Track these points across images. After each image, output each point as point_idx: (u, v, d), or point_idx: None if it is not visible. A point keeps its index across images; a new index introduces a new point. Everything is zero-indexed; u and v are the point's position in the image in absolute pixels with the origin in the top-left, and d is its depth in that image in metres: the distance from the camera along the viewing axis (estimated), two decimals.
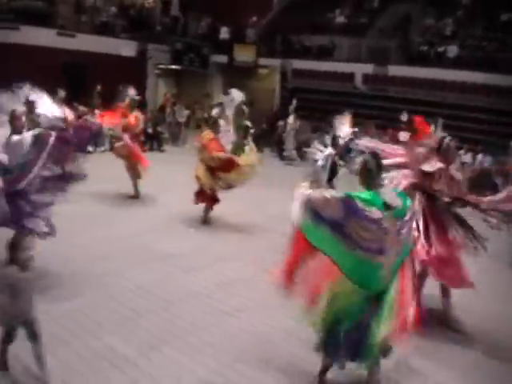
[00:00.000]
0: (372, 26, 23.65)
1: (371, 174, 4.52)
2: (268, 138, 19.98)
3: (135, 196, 11.65)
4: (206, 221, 10.15)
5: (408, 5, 23.39)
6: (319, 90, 22.54)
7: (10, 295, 4.36)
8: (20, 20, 19.85)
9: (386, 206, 4.34)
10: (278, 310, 6.48)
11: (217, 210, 10.50)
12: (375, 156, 4.68)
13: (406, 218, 4.48)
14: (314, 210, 4.34)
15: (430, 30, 22.42)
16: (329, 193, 4.46)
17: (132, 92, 11.73)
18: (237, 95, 10.46)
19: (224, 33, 26.52)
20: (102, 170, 11.47)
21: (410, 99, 19.98)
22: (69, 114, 11.73)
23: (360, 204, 4.28)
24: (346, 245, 4.31)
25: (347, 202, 4.30)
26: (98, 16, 23.76)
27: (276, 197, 12.26)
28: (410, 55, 21.67)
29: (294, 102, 19.47)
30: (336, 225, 4.30)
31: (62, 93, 13.50)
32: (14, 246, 4.47)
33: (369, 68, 22.05)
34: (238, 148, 9.99)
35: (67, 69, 19.02)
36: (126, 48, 23.33)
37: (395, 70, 21.36)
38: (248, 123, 10.36)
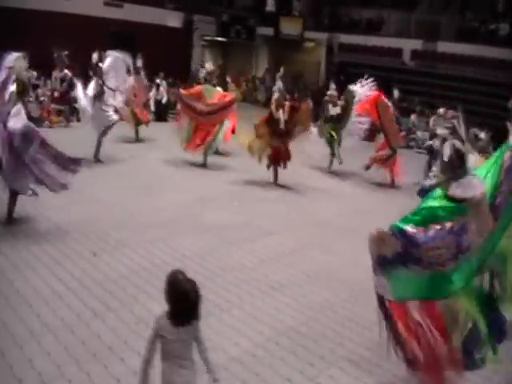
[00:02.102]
0: (422, 0, 23.06)
1: (453, 163, 4.35)
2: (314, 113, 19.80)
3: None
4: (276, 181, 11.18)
5: None
6: (366, 64, 22.11)
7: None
8: None
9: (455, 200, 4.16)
10: (321, 285, 6.49)
11: (262, 185, 10.65)
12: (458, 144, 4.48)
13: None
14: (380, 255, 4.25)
15: (481, 6, 21.75)
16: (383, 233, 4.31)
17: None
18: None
19: (270, 5, 26.23)
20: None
21: (458, 76, 19.51)
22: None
23: (412, 229, 4.15)
24: (422, 268, 4.16)
25: (398, 233, 4.19)
26: None
27: (318, 174, 12.29)
28: (460, 32, 21.09)
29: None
30: (402, 257, 4.18)
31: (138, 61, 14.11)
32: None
33: (418, 44, 21.54)
34: None
35: (114, 38, 19.08)
36: (173, 19, 23.29)
37: (445, 47, 20.82)
38: None
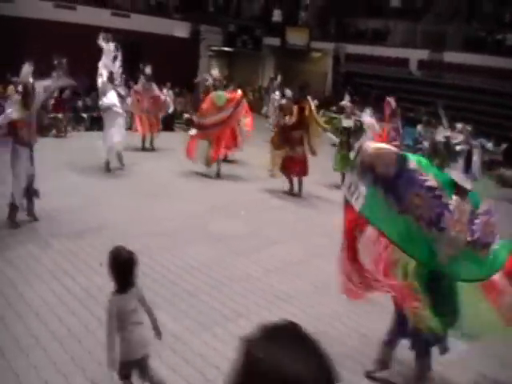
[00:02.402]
0: (428, 10, 23.07)
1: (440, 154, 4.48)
2: None
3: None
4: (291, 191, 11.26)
5: None
6: (372, 74, 22.18)
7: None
8: (77, 0, 20.13)
9: (455, 186, 4.22)
10: (329, 296, 6.45)
11: (269, 196, 10.68)
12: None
13: (480, 210, 4.19)
14: (370, 165, 4.23)
15: (488, 16, 21.76)
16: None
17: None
18: None
19: (277, 15, 26.31)
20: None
21: (465, 86, 19.49)
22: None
23: (415, 165, 4.15)
24: (397, 208, 4.13)
25: (401, 159, 4.20)
26: None
27: (329, 182, 12.24)
28: (466, 42, 21.09)
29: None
30: (389, 185, 4.16)
31: (147, 69, 14.14)
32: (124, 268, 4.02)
33: (424, 54, 21.54)
34: None
35: (122, 48, 19.18)
36: (180, 29, 23.37)
37: (451, 57, 20.81)
38: None
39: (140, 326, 3.96)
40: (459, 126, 11.50)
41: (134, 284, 3.98)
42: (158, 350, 4.89)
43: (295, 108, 10.95)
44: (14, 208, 7.83)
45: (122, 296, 3.93)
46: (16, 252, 6.88)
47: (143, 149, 14.26)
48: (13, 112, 7.60)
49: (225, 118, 11.84)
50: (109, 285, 6.07)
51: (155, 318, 4.10)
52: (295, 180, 11.27)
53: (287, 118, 10.93)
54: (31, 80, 8.04)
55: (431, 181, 4.12)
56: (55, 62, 14.73)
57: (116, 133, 11.21)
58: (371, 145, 4.46)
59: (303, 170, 11.07)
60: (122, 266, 3.98)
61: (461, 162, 10.10)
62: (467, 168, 10.12)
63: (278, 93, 19.47)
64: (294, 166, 11.03)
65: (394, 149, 4.39)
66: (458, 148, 10.76)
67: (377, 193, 4.20)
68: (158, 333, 4.12)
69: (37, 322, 5.19)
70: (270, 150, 11.46)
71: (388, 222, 4.20)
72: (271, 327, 1.26)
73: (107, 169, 11.45)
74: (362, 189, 4.25)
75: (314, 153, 11.14)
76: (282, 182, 11.30)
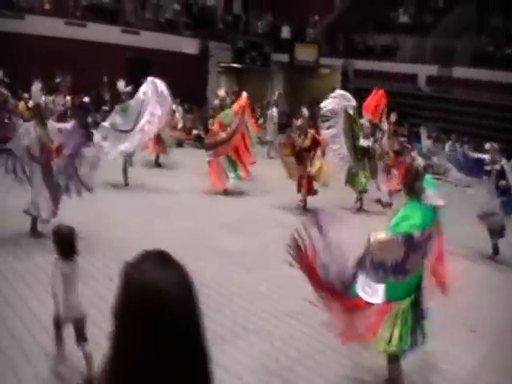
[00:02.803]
0: (437, 25, 23.13)
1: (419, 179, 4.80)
2: None
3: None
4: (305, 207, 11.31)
5: (473, 4, 22.81)
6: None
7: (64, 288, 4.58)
8: (87, 17, 20.35)
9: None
10: None
11: (278, 212, 10.68)
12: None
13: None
14: (380, 262, 4.48)
15: (497, 31, 21.77)
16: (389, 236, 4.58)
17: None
18: None
19: (285, 32, 26.46)
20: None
21: (474, 102, 19.47)
22: None
23: (418, 236, 4.45)
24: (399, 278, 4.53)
25: (408, 240, 4.42)
26: (162, 13, 24.06)
27: (340, 199, 12.21)
28: (475, 57, 21.10)
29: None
30: (398, 267, 4.46)
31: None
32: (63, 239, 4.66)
33: (433, 69, 21.57)
34: None
35: (132, 65, 19.35)
36: (188, 45, 23.54)
37: (460, 72, 20.83)
38: None
39: (76, 292, 4.69)
40: (487, 145, 11.35)
41: (75, 256, 4.67)
42: None
43: (310, 133, 11.14)
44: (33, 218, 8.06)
45: (66, 263, 4.62)
46: (25, 265, 6.90)
47: (156, 165, 14.33)
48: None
49: (234, 131, 11.95)
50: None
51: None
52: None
53: (301, 139, 11.08)
54: (43, 98, 8.21)
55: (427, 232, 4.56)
56: (58, 80, 14.79)
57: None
58: (375, 239, 4.56)
59: (312, 190, 11.27)
60: (64, 240, 4.62)
61: (490, 182, 9.97)
62: (503, 188, 9.87)
63: (275, 109, 19.48)
64: (303, 185, 11.19)
65: (398, 236, 4.53)
66: (486, 168, 10.66)
67: (390, 279, 4.53)
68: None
69: (45, 336, 5.19)
70: (282, 161, 11.67)
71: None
72: (144, 253, 1.56)
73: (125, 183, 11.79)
74: (378, 286, 4.52)
75: (324, 184, 11.34)
76: (291, 198, 11.31)
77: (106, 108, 18.16)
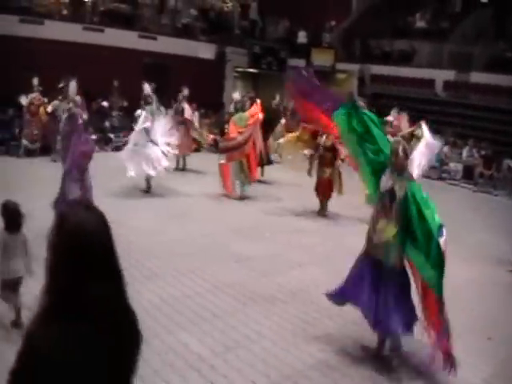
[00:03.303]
0: (454, 30, 23.03)
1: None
2: None
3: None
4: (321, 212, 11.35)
5: (491, 9, 22.68)
6: (398, 96, 22.11)
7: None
8: (104, 23, 20.50)
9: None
10: (352, 320, 6.41)
11: (294, 217, 10.70)
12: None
13: None
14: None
15: None
16: None
17: None
18: None
19: (302, 37, 26.47)
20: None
21: (492, 107, 19.35)
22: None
23: None
24: None
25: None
26: (179, 19, 24.18)
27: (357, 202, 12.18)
28: (492, 62, 20.97)
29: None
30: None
31: (185, 91, 14.27)
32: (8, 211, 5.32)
33: (450, 74, 21.47)
34: None
35: (149, 70, 19.45)
36: (205, 50, 23.61)
37: (477, 77, 20.70)
38: None
39: (16, 259, 5.31)
40: None
41: (19, 230, 5.34)
42: (182, 370, 4.92)
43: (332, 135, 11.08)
44: None
45: (9, 235, 5.28)
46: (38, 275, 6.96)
47: (176, 169, 14.41)
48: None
49: (247, 138, 11.94)
50: (133, 304, 6.12)
51: (30, 260, 5.36)
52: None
53: (324, 138, 11.01)
54: (78, 97, 8.50)
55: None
56: (61, 85, 14.68)
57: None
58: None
59: (327, 193, 11.24)
60: (10, 214, 5.26)
61: None
62: None
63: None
64: (318, 188, 11.22)
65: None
66: None
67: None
68: (28, 271, 5.35)
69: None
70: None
71: None
72: (73, 202, 2.55)
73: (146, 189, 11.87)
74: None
75: (340, 191, 11.28)
76: (303, 203, 11.33)
77: (117, 113, 18.26)
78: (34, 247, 7.88)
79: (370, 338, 5.96)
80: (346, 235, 9.92)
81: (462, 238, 10.74)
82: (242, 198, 12.13)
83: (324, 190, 11.20)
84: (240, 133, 11.91)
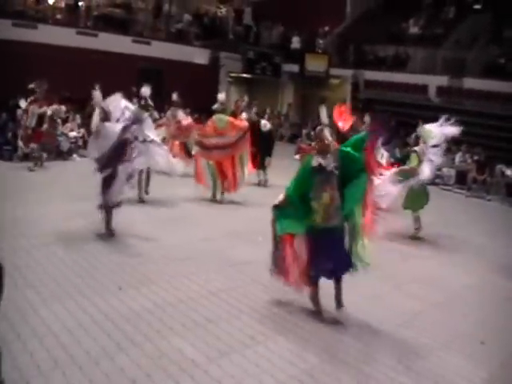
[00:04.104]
0: (447, 36, 23.13)
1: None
2: None
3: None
4: None
5: (485, 15, 22.80)
6: (392, 101, 22.19)
7: None
8: (98, 27, 20.52)
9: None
10: (346, 323, 6.42)
11: None
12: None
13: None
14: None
15: (507, 42, 21.73)
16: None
17: None
18: None
19: (295, 42, 26.55)
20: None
21: (485, 113, 19.41)
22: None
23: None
24: None
25: None
26: (173, 24, 24.22)
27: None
28: (486, 68, 21.05)
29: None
30: None
31: (174, 96, 14.16)
32: None
33: (443, 80, 21.54)
34: None
35: (143, 75, 19.45)
36: (199, 56, 23.67)
37: (471, 83, 20.78)
38: None
39: None
40: None
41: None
42: (176, 375, 4.89)
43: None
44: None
45: None
46: (36, 275, 6.94)
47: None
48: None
49: (226, 145, 11.86)
50: (127, 308, 6.12)
51: None
52: None
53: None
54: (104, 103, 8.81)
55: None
56: (32, 86, 14.45)
57: None
58: None
59: None
60: None
61: None
62: None
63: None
64: None
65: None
66: None
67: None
68: None
69: (56, 344, 5.21)
70: None
71: None
72: None
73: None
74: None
75: None
76: None
77: None
78: (40, 249, 7.98)
79: (364, 340, 5.97)
80: None
81: (456, 243, 10.79)
82: (220, 201, 12.14)
83: None
84: (219, 134, 11.87)
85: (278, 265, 6.73)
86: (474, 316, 7.12)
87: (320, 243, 6.35)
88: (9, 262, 7.19)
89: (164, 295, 6.71)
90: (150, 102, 11.95)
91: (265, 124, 14.70)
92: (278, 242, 6.75)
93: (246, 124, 12.27)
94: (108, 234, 8.83)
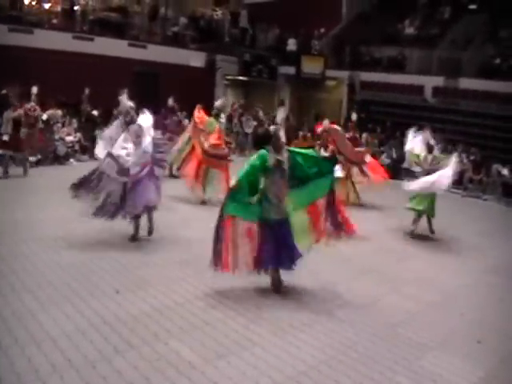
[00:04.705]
0: (443, 37, 23.16)
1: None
2: None
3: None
4: None
5: (480, 16, 22.84)
6: (388, 102, 22.23)
7: None
8: (94, 31, 20.53)
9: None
10: (342, 324, 6.44)
11: None
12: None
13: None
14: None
15: (503, 42, 21.77)
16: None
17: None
18: None
19: (291, 44, 26.56)
20: None
21: (481, 113, 19.46)
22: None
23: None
24: None
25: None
26: (169, 27, 24.24)
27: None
28: (482, 68, 21.10)
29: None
30: None
31: (170, 101, 14.06)
32: None
33: (439, 81, 21.57)
34: None
35: (139, 78, 19.48)
36: (195, 59, 23.67)
37: (467, 83, 20.80)
38: None
39: None
40: None
41: None
42: (174, 378, 4.91)
43: (330, 149, 11.02)
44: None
45: None
46: (33, 280, 6.95)
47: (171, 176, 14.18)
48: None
49: (205, 151, 11.97)
50: (124, 312, 6.14)
51: None
52: None
53: (321, 150, 10.85)
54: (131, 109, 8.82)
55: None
56: (4, 92, 14.30)
57: None
58: None
59: None
60: None
61: None
62: None
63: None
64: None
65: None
66: None
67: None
68: None
69: (53, 348, 5.23)
70: None
71: None
72: None
73: None
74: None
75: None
76: None
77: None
78: (38, 254, 7.99)
79: (361, 340, 6.00)
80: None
81: (452, 242, 10.84)
82: (203, 202, 12.14)
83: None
84: (206, 136, 11.96)
85: (217, 252, 7.04)
86: (470, 315, 7.15)
87: (269, 234, 6.93)
88: (6, 267, 7.28)
89: (161, 298, 6.73)
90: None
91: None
92: (220, 221, 7.06)
93: (226, 151, 12.36)
94: (133, 239, 8.94)
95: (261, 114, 22.13)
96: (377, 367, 5.47)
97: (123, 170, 8.37)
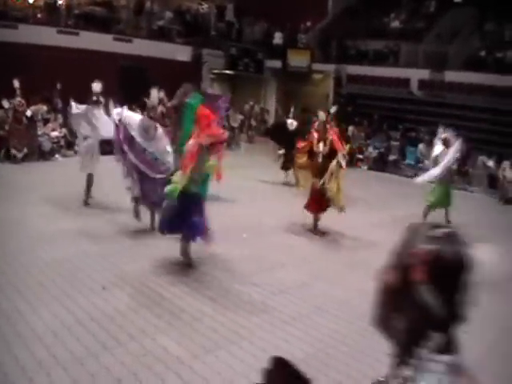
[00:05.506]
0: (429, 30, 23.21)
1: None
2: None
3: None
4: (315, 230, 10.17)
5: (466, 9, 22.90)
6: (374, 95, 22.27)
7: None
8: (80, 26, 20.38)
9: None
10: (331, 318, 6.45)
11: (275, 218, 10.66)
12: None
13: None
14: None
15: (489, 35, 21.86)
16: None
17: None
18: None
19: (278, 38, 26.54)
20: None
21: (467, 106, 19.54)
22: None
23: None
24: None
25: None
26: (155, 21, 24.11)
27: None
28: (467, 61, 21.17)
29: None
30: None
31: (160, 93, 14.00)
32: None
33: (425, 73, 21.63)
34: None
35: (125, 72, 19.36)
36: (182, 53, 23.57)
37: (452, 76, 20.88)
38: None
39: None
40: None
41: None
42: (162, 373, 4.89)
43: (329, 140, 9.73)
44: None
45: None
46: (19, 276, 6.91)
47: None
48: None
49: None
50: (111, 308, 6.11)
51: None
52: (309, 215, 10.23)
53: (320, 145, 9.76)
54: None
55: None
56: None
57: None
58: None
59: (322, 207, 9.94)
60: None
61: None
62: None
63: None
64: (311, 203, 9.96)
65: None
66: None
67: None
68: None
69: (40, 346, 5.19)
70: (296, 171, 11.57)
71: None
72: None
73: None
74: None
75: (342, 209, 9.83)
76: (283, 203, 11.34)
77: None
78: (23, 251, 7.92)
79: (350, 334, 6.00)
80: (322, 237, 9.99)
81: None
82: None
83: (318, 204, 9.86)
84: None
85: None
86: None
87: (181, 205, 7.33)
88: None
89: (149, 293, 6.71)
90: (101, 99, 11.62)
91: (291, 123, 14.58)
92: None
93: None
94: (151, 229, 9.19)
95: (279, 111, 21.93)
96: (366, 360, 5.47)
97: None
